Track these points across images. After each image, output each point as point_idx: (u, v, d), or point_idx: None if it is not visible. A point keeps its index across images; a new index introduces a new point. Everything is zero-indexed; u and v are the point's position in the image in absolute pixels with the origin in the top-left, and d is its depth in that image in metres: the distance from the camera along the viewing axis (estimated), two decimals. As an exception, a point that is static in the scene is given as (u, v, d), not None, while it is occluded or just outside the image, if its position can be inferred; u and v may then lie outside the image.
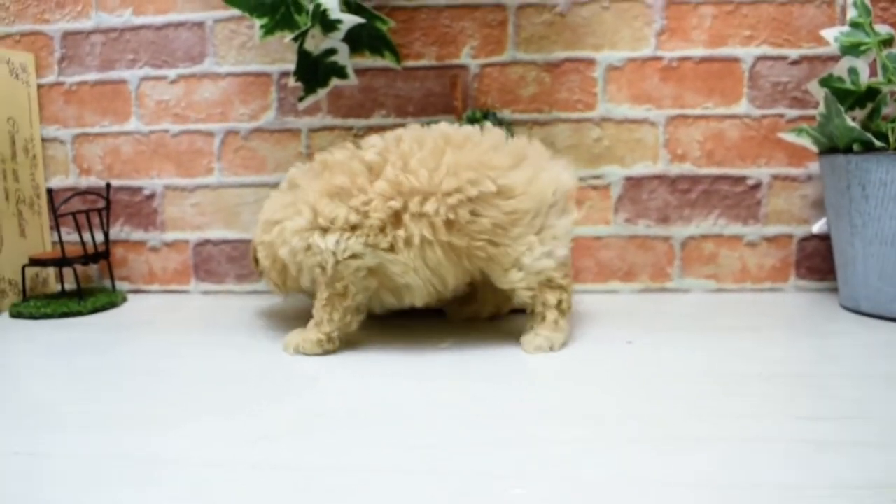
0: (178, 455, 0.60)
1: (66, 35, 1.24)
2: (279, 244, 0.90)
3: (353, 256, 0.85)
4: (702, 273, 1.16)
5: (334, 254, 0.85)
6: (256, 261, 0.98)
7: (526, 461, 0.57)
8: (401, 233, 0.84)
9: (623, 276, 1.17)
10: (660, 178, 1.15)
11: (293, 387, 0.76)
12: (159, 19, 1.21)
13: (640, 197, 1.16)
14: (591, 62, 1.14)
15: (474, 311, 1.01)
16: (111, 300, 1.17)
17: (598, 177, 1.16)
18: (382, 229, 0.84)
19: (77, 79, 1.25)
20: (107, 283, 1.28)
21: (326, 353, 0.88)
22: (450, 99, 1.16)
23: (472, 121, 1.05)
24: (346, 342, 0.90)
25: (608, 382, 0.75)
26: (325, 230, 0.85)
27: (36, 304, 1.14)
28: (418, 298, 0.89)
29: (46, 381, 0.80)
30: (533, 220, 0.86)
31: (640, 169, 1.15)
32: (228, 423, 0.66)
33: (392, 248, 0.85)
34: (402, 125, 1.14)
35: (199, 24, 1.21)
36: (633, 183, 1.15)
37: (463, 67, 1.16)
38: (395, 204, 0.83)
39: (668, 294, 1.16)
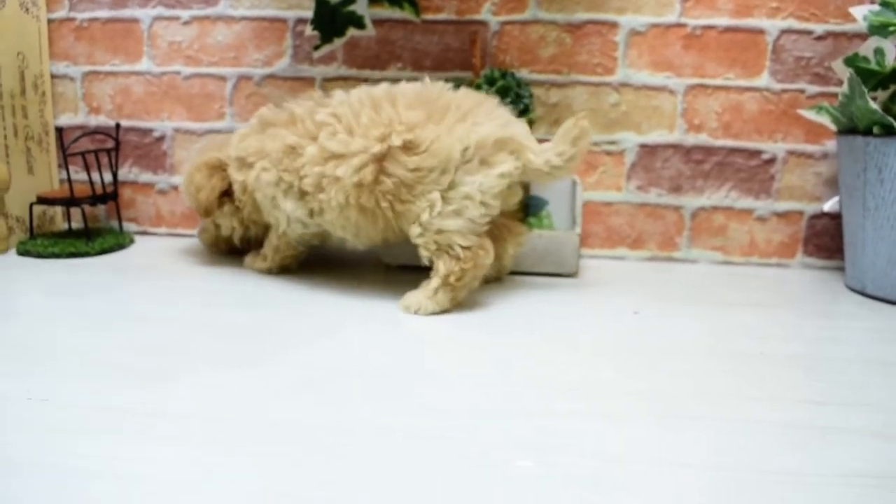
0: (179, 409, 0.60)
1: (78, -32, 1.21)
2: (254, 188, 0.99)
3: (300, 223, 0.96)
4: (709, 245, 1.16)
5: (288, 217, 0.96)
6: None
7: (525, 434, 0.57)
8: (323, 196, 0.90)
9: (631, 244, 1.17)
10: (675, 147, 1.14)
11: (302, 341, 0.77)
12: (174, -43, 1.19)
13: (653, 165, 1.15)
14: (613, 25, 1.12)
15: None
16: (118, 241, 1.17)
17: (612, 142, 1.15)
18: (312, 193, 0.91)
19: (88, 15, 1.22)
20: (114, 223, 1.27)
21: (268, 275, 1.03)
22: (468, 55, 1.14)
23: (490, 81, 1.04)
24: (367, 296, 0.91)
25: (612, 354, 0.76)
26: (285, 192, 0.94)
27: (43, 242, 1.14)
28: (360, 246, 0.96)
29: (51, 325, 0.81)
30: (440, 177, 0.85)
31: (656, 137, 1.14)
32: (232, 377, 0.67)
33: (321, 211, 0.92)
34: (419, 79, 1.14)
35: (215, -35, 1.18)
36: (648, 151, 1.15)
37: (483, 23, 1.14)
38: (318, 169, 0.89)
39: (674, 263, 1.16)
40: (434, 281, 0.88)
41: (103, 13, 1.22)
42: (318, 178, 0.89)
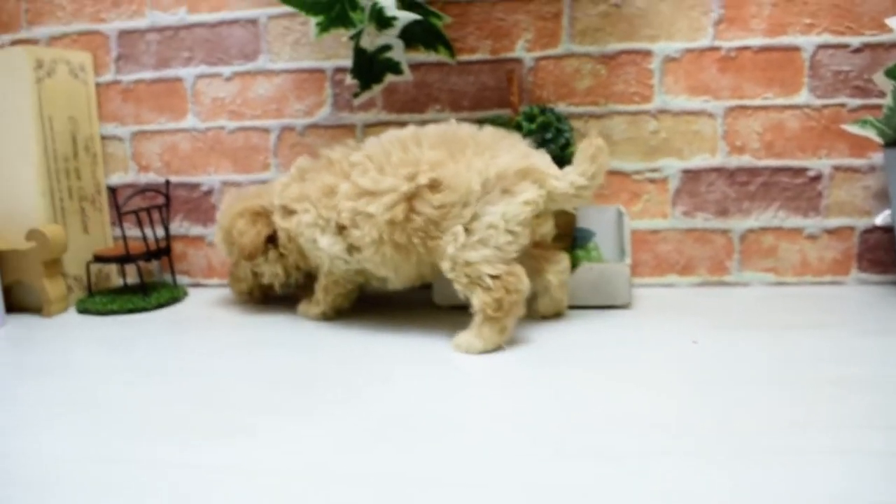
0: (247, 464, 0.61)
1: (122, 34, 1.26)
2: (297, 234, 1.02)
3: (342, 259, 0.98)
4: (761, 266, 1.15)
5: (329, 255, 0.98)
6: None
7: (605, 476, 0.57)
8: (357, 232, 0.93)
9: (681, 270, 1.17)
10: (718, 170, 1.14)
11: (360, 388, 0.77)
12: (213, 17, 1.22)
13: (698, 190, 1.14)
14: (647, 53, 1.13)
15: (534, 311, 1.01)
16: (173, 295, 1.20)
17: (655, 170, 1.15)
18: (349, 228, 0.94)
19: (134, 77, 1.27)
20: (168, 277, 1.30)
21: (324, 320, 1.06)
22: (504, 93, 1.16)
23: (530, 117, 1.05)
24: (422, 338, 0.93)
25: (677, 387, 0.75)
26: (322, 229, 0.98)
27: (101, 299, 1.17)
28: (399, 284, 0.99)
29: (114, 382, 0.83)
30: (462, 210, 0.88)
31: (698, 161, 1.14)
32: (296, 429, 0.68)
33: (359, 248, 0.95)
34: (457, 120, 1.15)
35: (253, 21, 1.21)
36: (691, 176, 1.14)
37: (517, 61, 1.15)
38: (351, 204, 0.93)
39: (726, 288, 1.15)
40: (476, 318, 0.89)
41: (148, 74, 1.26)
42: (353, 214, 0.93)
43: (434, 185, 0.89)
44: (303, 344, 0.96)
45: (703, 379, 0.77)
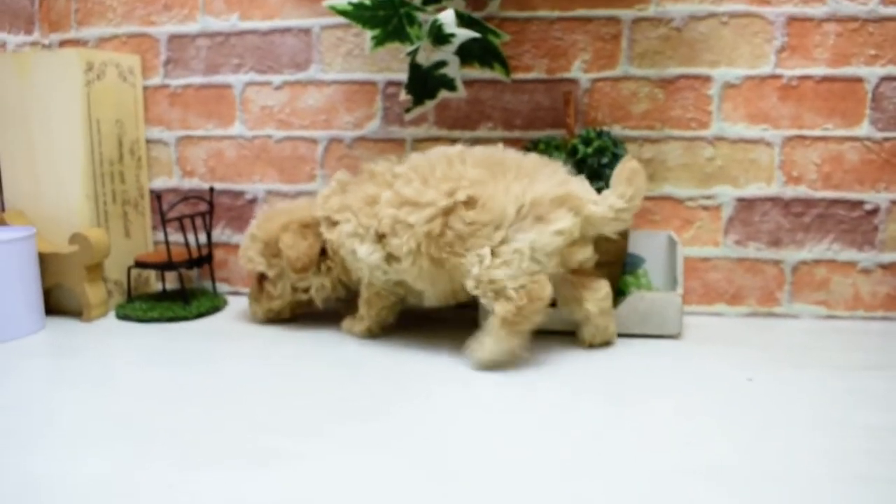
0: (297, 495, 0.60)
1: (172, 38, 1.25)
2: (339, 245, 1.02)
3: (380, 269, 0.97)
4: (812, 299, 1.13)
5: (368, 266, 0.98)
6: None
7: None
8: (396, 241, 0.93)
9: (730, 299, 1.15)
10: (773, 200, 1.12)
11: (400, 409, 0.76)
12: (265, 25, 1.21)
13: (751, 219, 1.12)
14: (706, 79, 1.11)
15: (581, 341, 1.00)
16: (214, 304, 1.19)
17: (708, 197, 1.13)
18: (388, 236, 0.94)
19: (182, 82, 1.25)
20: (207, 284, 1.29)
21: (368, 336, 1.04)
22: (558, 113, 1.14)
23: (586, 141, 1.03)
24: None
25: (737, 430, 0.73)
26: (361, 238, 0.98)
27: (141, 306, 1.16)
28: (436, 300, 0.99)
29: (158, 398, 0.82)
30: (493, 232, 0.89)
31: (754, 190, 1.12)
32: (344, 454, 0.66)
33: (397, 259, 0.94)
34: (509, 139, 1.14)
35: (306, 31, 1.20)
36: (746, 204, 1.12)
37: (573, 81, 1.14)
38: (392, 211, 0.93)
39: (775, 319, 1.13)
40: (492, 321, 0.90)
41: (196, 79, 1.25)
42: (393, 222, 0.93)
43: (470, 202, 0.90)
44: (344, 360, 0.95)
45: (762, 423, 0.75)
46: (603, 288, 0.97)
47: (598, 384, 0.86)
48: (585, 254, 0.94)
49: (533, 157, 0.95)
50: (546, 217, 0.89)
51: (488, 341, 0.90)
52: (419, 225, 0.91)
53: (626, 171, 0.92)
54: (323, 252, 1.06)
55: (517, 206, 0.89)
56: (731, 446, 0.70)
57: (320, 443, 0.71)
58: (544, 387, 0.86)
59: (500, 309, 0.89)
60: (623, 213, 0.92)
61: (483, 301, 0.91)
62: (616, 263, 1.07)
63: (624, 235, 1.07)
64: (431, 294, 0.98)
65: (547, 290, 0.89)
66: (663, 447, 0.70)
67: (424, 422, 0.76)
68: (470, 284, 0.91)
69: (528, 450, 0.69)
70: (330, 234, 1.03)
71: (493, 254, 0.89)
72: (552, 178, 0.92)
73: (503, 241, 0.89)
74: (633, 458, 0.68)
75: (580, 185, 0.93)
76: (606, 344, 1.00)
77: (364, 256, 0.97)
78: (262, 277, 1.10)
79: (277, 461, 0.67)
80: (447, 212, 0.90)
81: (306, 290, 1.09)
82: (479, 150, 0.97)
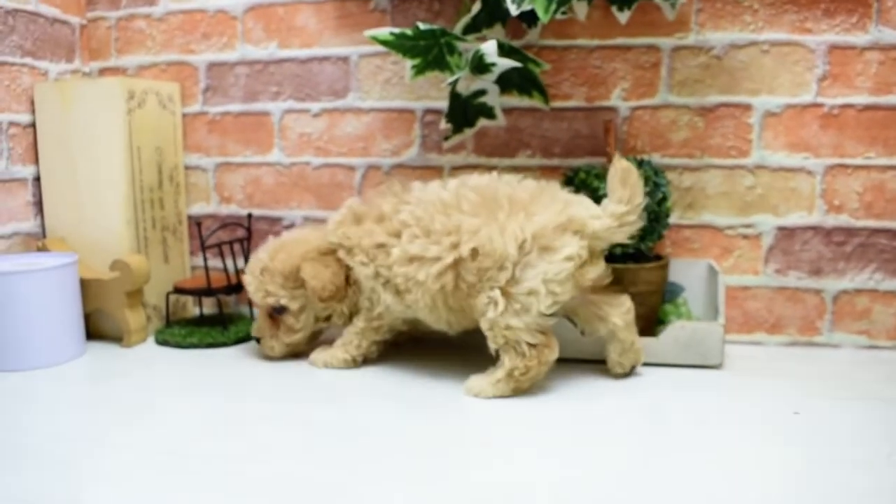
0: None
1: (212, 66, 1.26)
2: (357, 277, 1.01)
3: (401, 308, 0.98)
4: (853, 328, 1.12)
5: (388, 308, 0.98)
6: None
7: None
8: (410, 297, 0.94)
9: (769, 328, 1.14)
10: (814, 228, 1.11)
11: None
12: (304, 53, 1.22)
13: (792, 248, 1.12)
14: (747, 107, 1.10)
15: (611, 368, 0.99)
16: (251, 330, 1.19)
17: (748, 225, 1.12)
18: (403, 293, 0.95)
19: (221, 109, 1.27)
20: (243, 308, 1.30)
21: (349, 368, 1.04)
22: (597, 141, 1.14)
23: (627, 170, 1.03)
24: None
25: (780, 463, 0.72)
26: (384, 286, 0.97)
27: (180, 331, 1.17)
28: (454, 334, 0.99)
29: (196, 429, 0.82)
30: (497, 273, 0.89)
31: (794, 219, 1.11)
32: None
33: (415, 311, 0.96)
34: (547, 167, 1.14)
35: (344, 59, 1.21)
36: (786, 233, 1.12)
37: (612, 109, 1.14)
38: (403, 270, 0.93)
39: (815, 349, 1.12)
40: (499, 372, 0.91)
41: (235, 107, 1.26)
42: (405, 280, 0.94)
43: (473, 254, 0.89)
44: (376, 392, 0.95)
45: (816, 462, 0.74)
46: (625, 302, 0.97)
47: (641, 415, 0.86)
48: (598, 271, 0.93)
49: (528, 186, 0.94)
50: (551, 246, 0.88)
51: (487, 387, 0.91)
52: (430, 281, 0.92)
53: (618, 174, 0.91)
54: (346, 278, 1.04)
55: (518, 243, 0.88)
56: (780, 482, 0.69)
57: (373, 479, 0.71)
58: (585, 417, 0.85)
59: (509, 363, 0.90)
60: (626, 217, 0.90)
61: (491, 343, 0.91)
62: (656, 293, 1.06)
63: (664, 265, 1.06)
64: (451, 331, 0.99)
65: (555, 355, 0.91)
66: (711, 481, 0.69)
67: (493, 467, 0.75)
68: (484, 326, 0.91)
69: (573, 481, 0.69)
70: (351, 261, 1.01)
71: (506, 295, 0.88)
72: (551, 205, 0.90)
73: (513, 281, 0.88)
74: (680, 491, 0.67)
75: (580, 206, 0.91)
76: (636, 364, 0.99)
77: (388, 303, 0.98)
78: (274, 312, 1.06)
79: (318, 495, 0.67)
80: (455, 265, 0.90)
81: (328, 318, 1.07)
82: (472, 186, 0.94)
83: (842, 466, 0.72)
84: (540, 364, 0.90)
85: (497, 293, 0.88)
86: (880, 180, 1.09)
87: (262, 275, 1.05)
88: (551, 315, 0.90)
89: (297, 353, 1.09)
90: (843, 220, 1.10)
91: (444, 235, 0.91)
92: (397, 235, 0.95)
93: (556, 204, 0.91)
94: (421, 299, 0.93)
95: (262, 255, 1.06)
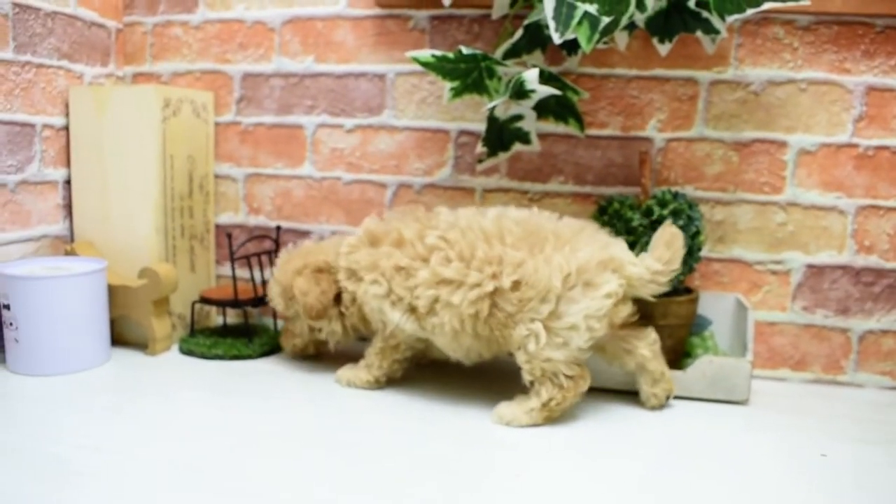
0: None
1: (247, 76, 1.26)
2: (362, 301, 1.01)
3: (412, 328, 0.97)
4: (878, 369, 1.12)
5: (397, 325, 0.97)
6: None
7: None
8: (435, 320, 0.93)
9: (794, 365, 1.14)
10: (844, 268, 1.11)
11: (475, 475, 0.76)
12: (340, 68, 1.22)
13: (820, 286, 1.12)
14: (782, 144, 1.11)
15: (645, 401, 0.99)
16: (277, 343, 1.19)
17: (778, 262, 1.13)
18: (425, 315, 0.94)
19: (254, 120, 1.27)
20: (267, 319, 1.30)
21: (373, 388, 1.04)
22: (631, 171, 1.14)
23: (662, 203, 1.03)
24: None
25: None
26: (394, 304, 0.97)
27: (205, 341, 1.17)
28: (467, 363, 0.99)
29: (222, 445, 0.82)
30: (539, 305, 0.89)
31: (824, 257, 1.11)
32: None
33: (434, 334, 0.96)
34: (580, 194, 1.14)
35: (380, 76, 1.21)
36: (815, 271, 1.12)
37: (647, 140, 1.14)
38: (431, 292, 0.93)
39: (839, 387, 1.12)
40: (534, 402, 0.91)
41: (268, 118, 1.26)
42: (431, 301, 0.93)
43: (515, 286, 0.90)
44: (400, 413, 0.94)
45: (835, 499, 0.75)
46: (651, 334, 0.98)
47: (665, 448, 0.86)
48: (627, 310, 0.94)
49: (568, 223, 0.95)
50: (594, 282, 0.89)
51: (521, 415, 0.91)
52: (465, 306, 0.91)
53: (665, 235, 0.93)
54: (336, 298, 1.05)
55: (563, 276, 0.89)
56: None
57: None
58: (609, 451, 0.86)
59: (546, 394, 0.91)
60: (659, 276, 0.92)
61: (527, 376, 0.91)
62: (685, 325, 1.07)
63: (694, 299, 1.07)
64: (462, 357, 0.98)
65: (587, 385, 0.92)
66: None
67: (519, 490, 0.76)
68: (521, 358, 0.91)
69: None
70: (352, 286, 1.02)
71: (547, 329, 0.89)
72: (593, 241, 0.92)
73: (554, 315, 0.89)
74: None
75: (619, 247, 0.94)
76: (669, 395, 0.99)
77: (398, 322, 0.97)
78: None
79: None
80: (493, 294, 0.91)
81: (319, 330, 1.09)
82: (512, 219, 0.95)
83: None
84: (575, 395, 0.91)
85: (539, 326, 0.89)
86: (912, 223, 1.09)
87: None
88: (587, 349, 0.91)
89: (322, 354, 1.14)
90: (873, 260, 1.11)
91: (485, 264, 0.91)
92: (423, 259, 0.95)
93: (598, 241, 0.92)
94: (448, 322, 0.93)
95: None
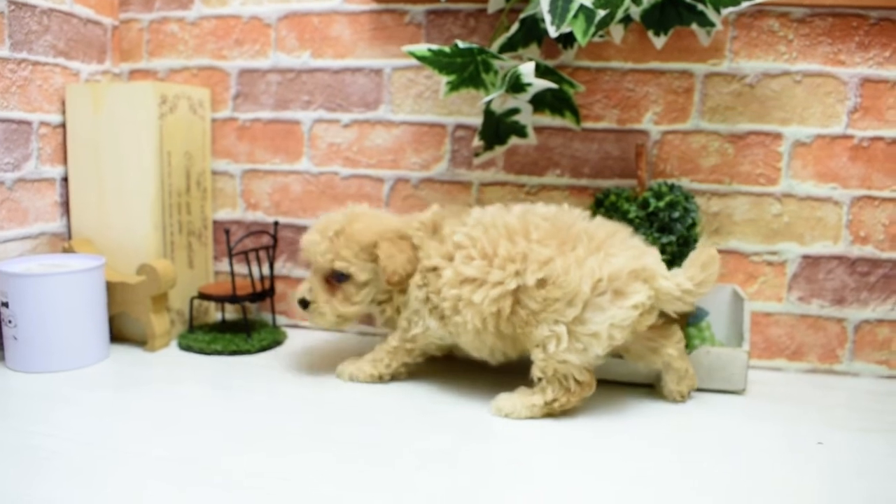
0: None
1: (243, 72, 1.26)
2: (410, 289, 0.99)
3: (438, 335, 0.98)
4: (873, 358, 1.13)
5: (425, 326, 0.98)
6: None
7: None
8: (458, 319, 0.93)
9: (790, 355, 1.15)
10: (839, 258, 1.12)
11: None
12: (337, 63, 1.22)
13: (816, 276, 1.13)
14: (777, 136, 1.11)
15: (667, 395, 1.00)
16: (275, 338, 1.20)
17: (774, 253, 1.13)
18: (449, 316, 0.94)
19: (251, 116, 1.27)
20: (266, 315, 1.30)
21: (374, 383, 1.03)
22: (627, 163, 1.15)
23: (658, 195, 1.03)
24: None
25: (804, 494, 0.73)
26: (430, 311, 0.97)
27: (204, 337, 1.18)
28: (493, 362, 0.98)
29: (226, 442, 0.82)
30: (565, 308, 0.88)
31: (819, 248, 1.12)
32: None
33: (458, 334, 0.95)
34: (576, 187, 1.15)
35: (377, 71, 1.21)
36: (811, 262, 1.13)
37: (643, 133, 1.15)
38: (455, 292, 0.93)
39: (834, 377, 1.13)
40: (537, 398, 0.91)
41: (265, 114, 1.26)
42: (455, 301, 0.93)
43: (541, 283, 0.89)
44: (401, 409, 0.95)
45: (832, 487, 0.75)
46: (677, 332, 0.98)
47: (664, 439, 0.87)
48: (651, 320, 0.93)
49: (601, 224, 0.93)
50: (623, 291, 0.88)
51: (521, 409, 0.91)
52: (486, 304, 0.90)
53: (703, 257, 0.91)
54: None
55: (593, 282, 0.87)
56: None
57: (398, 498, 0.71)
58: (606, 442, 0.86)
59: (552, 394, 0.90)
60: (688, 296, 0.90)
61: (537, 371, 0.91)
62: (682, 317, 1.07)
63: (691, 290, 1.07)
64: (487, 356, 0.98)
65: (591, 392, 0.92)
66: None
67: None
68: (539, 356, 0.90)
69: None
70: (420, 254, 0.99)
71: (569, 333, 0.88)
72: (626, 249, 0.90)
73: (578, 321, 0.88)
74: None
75: (653, 258, 0.91)
76: (692, 388, 1.00)
77: (431, 327, 0.98)
78: (335, 278, 1.01)
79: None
80: (516, 291, 0.90)
81: (380, 303, 1.04)
82: (540, 214, 0.94)
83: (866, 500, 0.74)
84: (579, 400, 0.91)
85: (562, 329, 0.88)
86: (906, 213, 1.10)
87: (336, 237, 1.00)
88: (604, 357, 0.91)
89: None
90: (868, 251, 1.11)
91: (508, 262, 0.90)
92: (449, 258, 0.94)
93: (632, 249, 0.91)
94: (470, 321, 0.92)
95: (337, 217, 1.02)
